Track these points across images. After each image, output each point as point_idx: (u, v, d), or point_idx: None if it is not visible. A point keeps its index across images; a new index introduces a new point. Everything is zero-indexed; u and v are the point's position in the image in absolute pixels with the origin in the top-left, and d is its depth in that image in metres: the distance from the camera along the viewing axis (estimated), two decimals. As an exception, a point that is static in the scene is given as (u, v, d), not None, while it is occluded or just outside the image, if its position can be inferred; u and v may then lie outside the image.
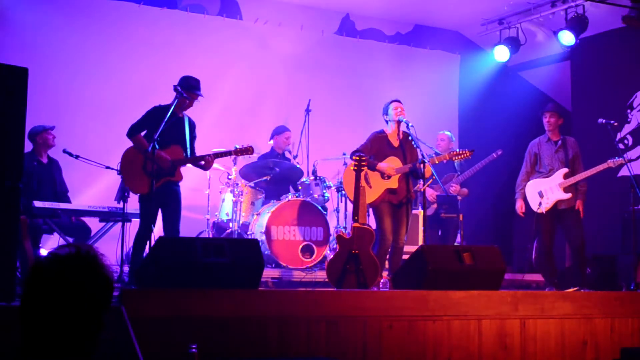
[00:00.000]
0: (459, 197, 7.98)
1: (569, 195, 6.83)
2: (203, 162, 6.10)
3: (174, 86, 6.05)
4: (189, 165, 6.23)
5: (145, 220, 5.88)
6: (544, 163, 7.01)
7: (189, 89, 6.08)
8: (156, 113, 6.00)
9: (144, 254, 5.85)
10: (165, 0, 8.78)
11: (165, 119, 5.78)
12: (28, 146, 6.67)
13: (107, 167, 6.76)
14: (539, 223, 6.93)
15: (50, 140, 6.93)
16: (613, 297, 5.42)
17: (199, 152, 6.28)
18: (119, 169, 6.05)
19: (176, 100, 5.98)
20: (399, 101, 6.56)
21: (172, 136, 5.99)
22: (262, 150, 8.25)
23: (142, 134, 6.03)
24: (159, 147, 5.78)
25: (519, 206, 7.00)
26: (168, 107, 5.99)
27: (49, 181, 6.91)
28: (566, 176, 6.87)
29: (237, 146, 6.32)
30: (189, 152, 6.13)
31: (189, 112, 6.21)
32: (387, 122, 6.58)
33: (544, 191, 6.88)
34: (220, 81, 8.81)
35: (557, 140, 7.02)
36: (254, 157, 8.07)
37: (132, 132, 6.02)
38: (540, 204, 6.85)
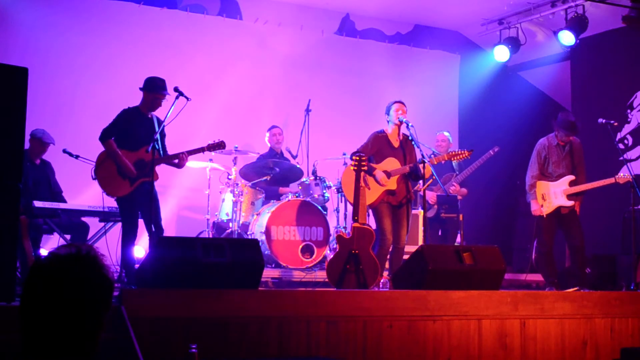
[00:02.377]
0: (459, 197, 7.97)
1: (571, 203, 6.78)
2: (177, 160, 6.10)
3: (140, 88, 6.11)
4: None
5: (128, 222, 5.94)
6: (551, 167, 6.94)
7: (153, 89, 6.09)
8: (126, 116, 6.05)
9: (133, 254, 5.90)
10: (165, 0, 8.78)
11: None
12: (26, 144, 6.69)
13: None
14: (539, 223, 6.92)
15: (43, 152, 6.96)
16: (613, 297, 5.41)
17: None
18: (93, 173, 6.04)
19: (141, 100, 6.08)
20: (401, 102, 6.55)
21: (144, 137, 6.00)
22: (262, 150, 8.25)
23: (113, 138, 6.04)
24: (131, 149, 5.91)
25: (536, 208, 6.89)
26: (136, 109, 6.08)
27: (44, 182, 6.92)
28: (572, 183, 6.82)
29: (210, 142, 6.24)
30: (161, 152, 6.13)
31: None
32: (388, 122, 6.59)
33: (546, 194, 6.85)
34: (220, 81, 8.82)
35: (564, 145, 6.95)
36: (253, 157, 8.08)
37: (105, 136, 5.99)
38: (542, 206, 6.84)
